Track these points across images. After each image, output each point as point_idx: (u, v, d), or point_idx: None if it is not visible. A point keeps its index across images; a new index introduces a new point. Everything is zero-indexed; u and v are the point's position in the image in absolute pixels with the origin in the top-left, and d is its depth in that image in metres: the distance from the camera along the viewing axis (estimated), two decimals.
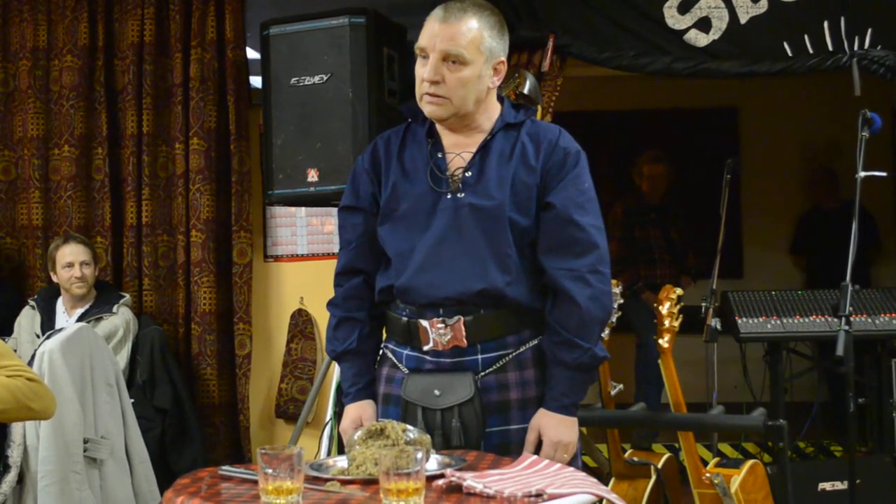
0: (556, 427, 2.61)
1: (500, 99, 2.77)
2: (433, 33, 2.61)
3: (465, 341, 2.62)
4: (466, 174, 2.64)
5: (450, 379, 2.62)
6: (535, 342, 2.67)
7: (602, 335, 2.70)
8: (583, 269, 2.60)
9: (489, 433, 2.62)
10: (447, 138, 2.71)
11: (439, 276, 2.60)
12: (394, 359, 2.74)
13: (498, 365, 2.64)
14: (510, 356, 2.64)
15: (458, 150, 2.68)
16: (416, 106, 2.73)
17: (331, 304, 2.83)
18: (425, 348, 2.65)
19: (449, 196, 2.64)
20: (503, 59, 2.69)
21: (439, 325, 2.62)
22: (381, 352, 2.81)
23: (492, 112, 2.72)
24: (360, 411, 2.75)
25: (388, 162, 2.74)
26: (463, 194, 2.63)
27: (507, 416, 2.64)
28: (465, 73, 2.61)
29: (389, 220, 2.69)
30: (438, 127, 2.72)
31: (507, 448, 2.60)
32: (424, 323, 2.64)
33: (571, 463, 2.61)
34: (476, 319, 2.61)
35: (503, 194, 2.61)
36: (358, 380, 2.78)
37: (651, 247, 6.81)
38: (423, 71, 2.63)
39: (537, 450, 2.61)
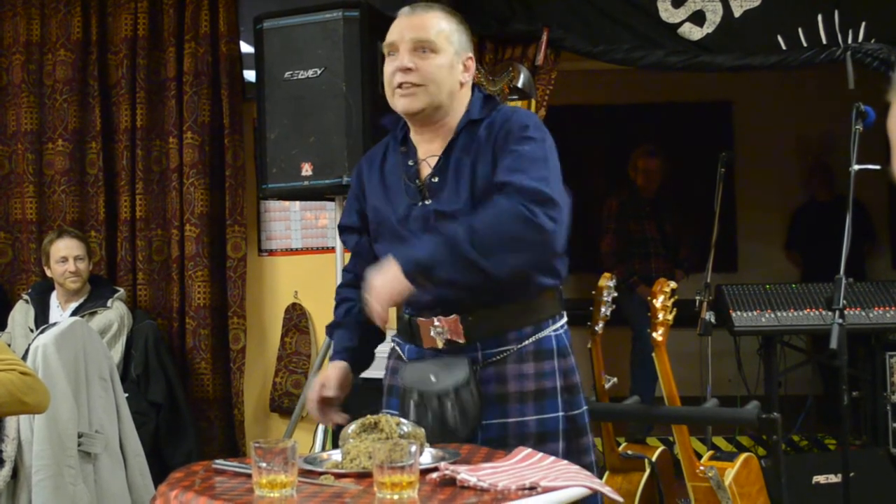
0: (383, 270, 2.46)
1: (474, 90, 2.75)
2: (401, 27, 2.66)
3: (463, 338, 2.62)
4: (433, 180, 2.65)
5: (446, 363, 2.61)
6: (536, 337, 2.65)
7: (516, 264, 2.46)
8: (518, 181, 2.46)
9: (487, 425, 2.61)
10: (421, 146, 2.71)
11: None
12: (399, 350, 2.79)
13: (498, 358, 2.63)
14: (511, 351, 2.63)
15: (426, 157, 2.69)
16: (397, 116, 2.74)
17: (336, 291, 2.93)
18: (425, 346, 2.67)
19: (419, 204, 2.65)
20: (472, 55, 2.71)
21: (437, 324, 2.63)
22: (391, 346, 2.85)
23: (460, 113, 2.70)
24: (324, 372, 2.78)
25: (370, 178, 2.78)
26: (430, 201, 2.64)
27: (504, 408, 2.62)
28: (438, 60, 2.63)
29: (378, 236, 2.75)
30: (412, 134, 2.73)
31: (505, 441, 2.57)
32: (422, 321, 2.65)
33: (582, 459, 2.61)
34: (474, 317, 2.61)
35: (464, 196, 2.59)
36: (337, 346, 2.84)
37: (646, 240, 6.82)
38: (393, 64, 2.65)
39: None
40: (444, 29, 2.65)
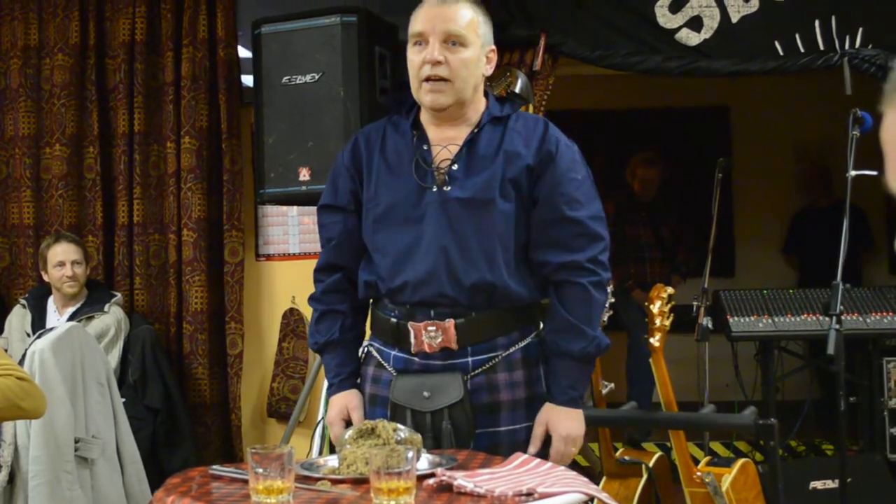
0: (565, 421, 2.60)
1: (485, 93, 2.74)
2: (431, 17, 2.58)
3: (455, 344, 2.59)
4: (453, 167, 2.61)
5: (439, 380, 2.58)
6: (524, 343, 2.65)
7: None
8: (583, 260, 2.59)
9: (478, 434, 2.59)
10: (433, 131, 2.67)
11: (429, 273, 2.57)
12: (379, 358, 2.70)
13: (488, 366, 2.61)
14: (500, 357, 2.62)
15: (445, 143, 2.64)
16: (399, 97, 2.72)
17: (311, 299, 2.80)
18: (414, 350, 2.62)
19: (435, 189, 2.60)
20: (494, 48, 2.69)
21: (430, 328, 2.59)
22: (365, 350, 2.77)
23: (479, 105, 2.68)
24: (345, 401, 2.72)
25: (371, 157, 2.69)
26: (449, 188, 2.59)
27: (496, 417, 2.61)
28: (467, 54, 2.58)
29: (374, 216, 2.66)
30: (423, 119, 2.69)
31: (496, 450, 2.55)
32: (414, 325, 2.60)
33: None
34: (467, 321, 2.58)
35: (491, 188, 2.57)
36: (341, 370, 2.74)
37: (641, 245, 6.82)
38: (421, 55, 2.58)
39: (546, 445, 2.61)
40: (473, 20, 2.60)
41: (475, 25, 2.61)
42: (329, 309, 2.75)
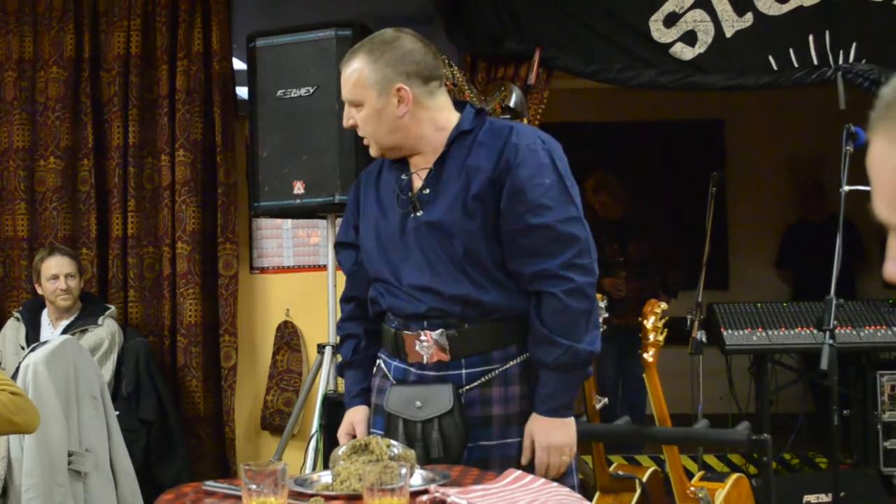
0: (546, 431, 2.59)
1: (463, 104, 2.74)
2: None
3: (447, 355, 2.60)
4: (424, 192, 2.64)
5: (431, 390, 2.61)
6: (523, 357, 2.64)
7: (595, 327, 2.63)
8: (554, 268, 2.55)
9: (470, 448, 2.60)
10: (413, 161, 2.71)
11: (416, 292, 2.61)
12: (385, 369, 2.75)
13: (483, 380, 2.61)
14: (496, 371, 2.62)
15: (417, 169, 2.68)
16: None
17: (337, 326, 2.95)
18: (410, 360, 2.65)
19: (412, 216, 2.65)
20: (401, 85, 2.61)
21: (423, 338, 2.61)
22: (377, 362, 2.83)
23: (445, 127, 2.67)
24: (351, 417, 2.81)
25: (367, 192, 2.79)
26: (421, 212, 2.63)
27: (488, 431, 2.62)
28: (363, 112, 2.64)
29: (366, 245, 2.75)
30: None
31: (486, 463, 2.56)
32: (408, 335, 2.64)
33: (566, 481, 2.60)
34: (460, 333, 2.59)
35: (455, 208, 2.59)
36: (353, 387, 2.84)
37: (605, 263, 6.71)
38: None
39: (533, 455, 2.61)
40: (359, 79, 2.62)
41: (361, 81, 2.62)
42: (346, 334, 2.88)
